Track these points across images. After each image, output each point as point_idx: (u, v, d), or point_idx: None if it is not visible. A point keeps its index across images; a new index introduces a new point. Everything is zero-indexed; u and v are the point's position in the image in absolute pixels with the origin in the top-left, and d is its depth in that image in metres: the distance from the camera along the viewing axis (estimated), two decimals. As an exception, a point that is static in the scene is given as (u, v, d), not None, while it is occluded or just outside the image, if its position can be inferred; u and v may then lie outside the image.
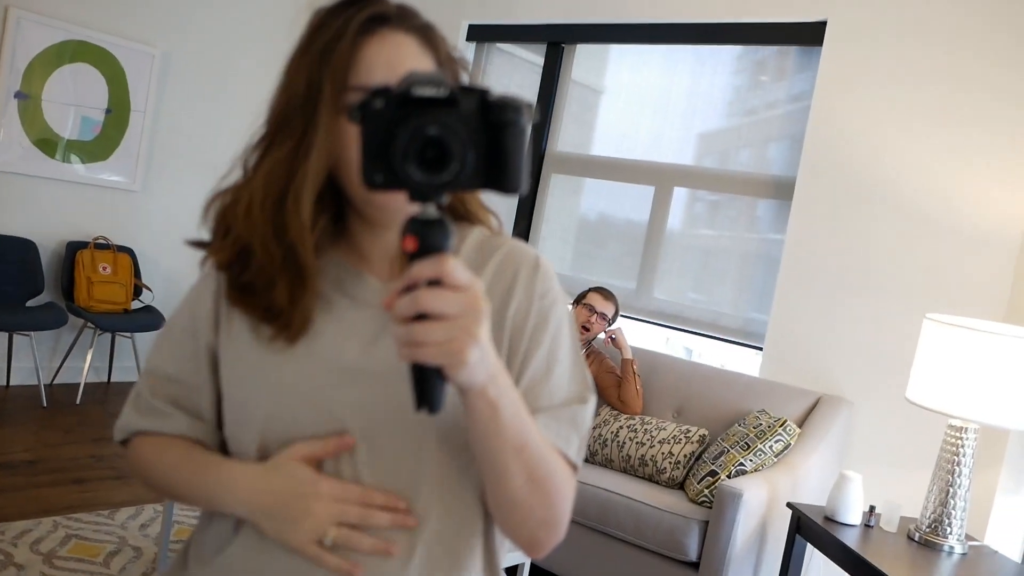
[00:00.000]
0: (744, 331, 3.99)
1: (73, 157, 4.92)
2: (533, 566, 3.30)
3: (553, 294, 0.99)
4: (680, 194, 4.31)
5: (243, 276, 0.94)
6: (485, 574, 0.97)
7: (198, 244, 0.99)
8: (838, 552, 2.63)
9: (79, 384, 4.96)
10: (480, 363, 0.75)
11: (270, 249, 0.91)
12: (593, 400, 0.99)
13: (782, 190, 3.91)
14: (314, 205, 0.91)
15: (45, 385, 4.86)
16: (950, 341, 2.60)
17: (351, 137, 0.89)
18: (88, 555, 3.04)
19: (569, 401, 0.96)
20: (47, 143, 4.81)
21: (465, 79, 0.99)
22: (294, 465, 0.90)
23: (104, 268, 4.88)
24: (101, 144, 5.03)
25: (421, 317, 0.72)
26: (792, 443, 3.20)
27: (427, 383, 0.77)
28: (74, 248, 4.88)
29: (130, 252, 5.09)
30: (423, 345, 0.72)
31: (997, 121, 3.29)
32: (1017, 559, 3.12)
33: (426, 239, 0.74)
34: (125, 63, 5.05)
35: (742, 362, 4.13)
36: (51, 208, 4.90)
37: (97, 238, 4.98)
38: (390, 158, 0.73)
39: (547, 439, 0.91)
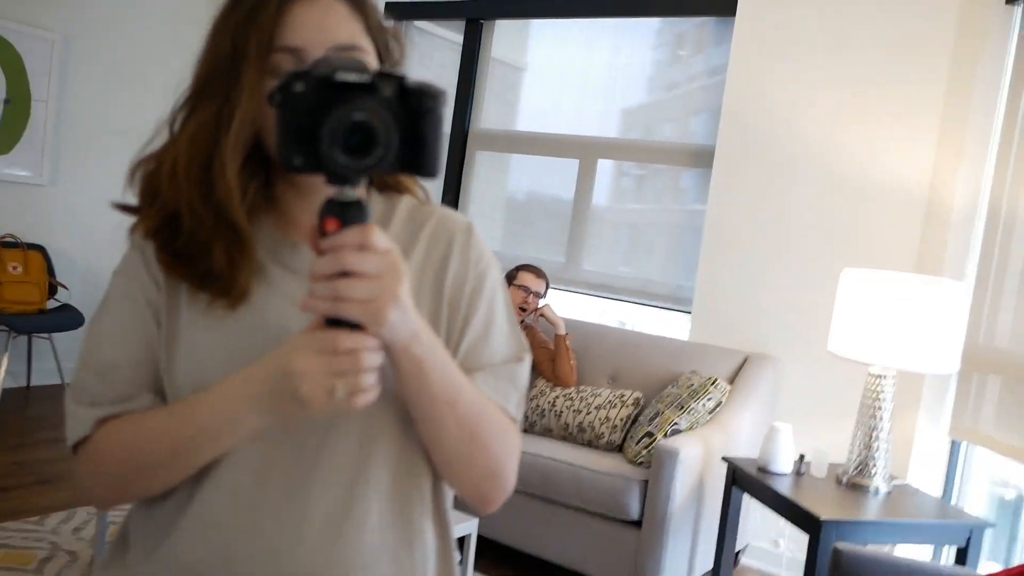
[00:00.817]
0: (673, 297, 4.09)
1: (-28, 153, 4.71)
2: (480, 538, 3.34)
3: (486, 259, 1.03)
4: (606, 168, 4.38)
5: (176, 242, 0.92)
6: (434, 526, 1.00)
7: (126, 208, 0.96)
8: (772, 499, 2.74)
9: (-5, 390, 4.77)
10: (401, 322, 0.79)
11: (199, 213, 0.90)
12: (528, 359, 1.03)
13: (703, 159, 4.01)
14: (241, 170, 0.91)
15: (-42, 393, 4.65)
16: (866, 293, 2.73)
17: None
18: (19, 563, 2.94)
19: (507, 360, 1.00)
20: (-57, 140, 4.59)
21: (395, 50, 1.00)
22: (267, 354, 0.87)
23: (14, 267, 4.69)
24: (1, 136, 4.81)
25: (343, 276, 0.76)
26: (724, 400, 3.31)
27: None
28: (-20, 248, 4.67)
29: (42, 249, 4.90)
30: (346, 300, 0.76)
31: (902, 84, 3.44)
32: (937, 494, 3.31)
33: (347, 221, 0.77)
34: (22, 50, 4.82)
35: (673, 328, 4.24)
36: (-47, 208, 4.68)
37: (4, 236, 4.77)
38: (312, 141, 0.74)
39: (486, 395, 0.95)
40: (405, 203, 1.04)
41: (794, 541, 3.61)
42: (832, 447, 3.46)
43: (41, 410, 4.70)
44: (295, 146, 0.75)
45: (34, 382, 5.15)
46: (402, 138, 0.75)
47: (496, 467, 0.95)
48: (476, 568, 3.29)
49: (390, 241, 0.78)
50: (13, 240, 4.80)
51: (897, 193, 3.42)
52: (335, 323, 0.79)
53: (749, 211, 3.74)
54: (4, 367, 4.60)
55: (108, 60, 5.22)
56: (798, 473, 2.90)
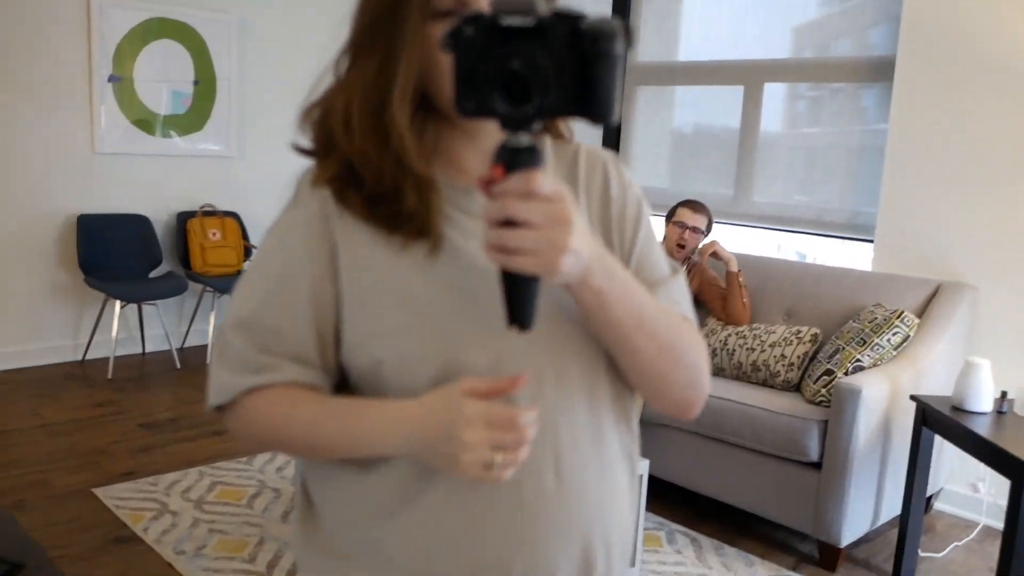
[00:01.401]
0: (853, 225, 3.84)
1: (170, 131, 5.12)
2: (653, 478, 3.34)
3: (633, 182, 1.05)
4: (775, 92, 4.14)
5: (361, 188, 0.90)
6: (627, 438, 1.00)
7: (306, 152, 0.96)
8: (969, 441, 2.54)
9: (207, 345, 5.24)
10: (575, 265, 0.78)
11: (376, 163, 0.89)
12: (683, 275, 1.04)
13: (883, 73, 3.70)
14: (413, 117, 0.90)
15: (176, 349, 5.15)
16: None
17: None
18: (233, 499, 3.24)
19: (674, 271, 1.02)
20: (145, 122, 5.01)
21: None
22: (447, 393, 0.84)
23: (214, 234, 5.10)
24: (194, 116, 5.20)
25: (510, 224, 0.75)
26: (911, 335, 3.09)
27: (518, 295, 0.79)
28: (184, 218, 5.11)
29: (236, 216, 5.29)
30: (514, 252, 0.75)
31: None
32: None
33: (514, 167, 0.75)
34: (205, 33, 5.17)
35: (854, 260, 3.99)
36: (158, 182, 5.13)
37: (204, 206, 5.18)
38: (480, 87, 0.74)
39: (667, 308, 0.94)
40: (547, 143, 1.03)
41: (996, 485, 3.34)
42: (1039, 382, 3.16)
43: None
44: (467, 91, 0.75)
45: (239, 337, 5.60)
46: (573, 80, 0.73)
47: (693, 374, 0.94)
48: (649, 509, 3.29)
49: (560, 187, 0.76)
50: (212, 209, 5.21)
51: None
52: (509, 277, 0.79)
53: (937, 126, 3.42)
54: (212, 324, 5.04)
55: (282, 36, 5.50)
56: (999, 412, 2.67)
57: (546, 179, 0.75)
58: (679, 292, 1.00)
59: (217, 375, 0.94)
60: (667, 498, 3.44)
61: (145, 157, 5.06)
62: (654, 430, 3.29)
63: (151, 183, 5.10)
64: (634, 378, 0.93)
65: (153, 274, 5.02)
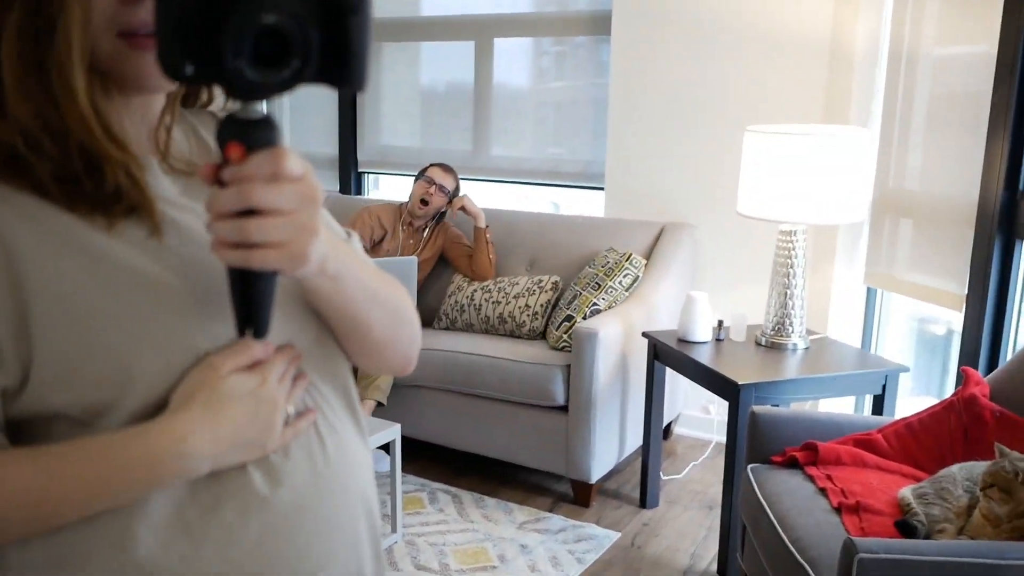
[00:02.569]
0: (586, 174, 3.99)
1: None
2: (408, 439, 3.32)
3: None
4: (516, 47, 4.17)
5: (34, 169, 0.69)
6: (355, 421, 0.90)
7: None
8: (692, 369, 2.73)
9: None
10: (319, 253, 0.69)
11: (53, 141, 0.69)
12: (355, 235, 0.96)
13: (601, 26, 3.83)
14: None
15: None
16: (770, 150, 2.65)
17: None
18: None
19: (349, 234, 0.92)
20: None
21: None
22: (231, 382, 0.72)
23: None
24: None
25: (248, 213, 0.63)
26: (640, 275, 3.26)
27: (255, 296, 0.69)
28: None
29: None
30: (260, 247, 0.64)
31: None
32: (857, 345, 3.34)
33: (254, 144, 0.64)
34: None
35: (591, 208, 4.15)
36: None
37: None
38: (208, 45, 0.59)
39: (367, 260, 0.88)
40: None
41: (723, 405, 3.64)
42: (751, 311, 3.47)
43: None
44: (184, 51, 0.60)
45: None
46: (327, 40, 0.61)
47: (413, 329, 0.91)
48: (406, 471, 3.28)
49: (303, 161, 0.66)
50: None
51: (799, 43, 3.30)
52: (242, 274, 0.67)
53: (652, 77, 3.61)
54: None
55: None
56: (717, 340, 2.89)
57: (293, 155, 0.64)
58: (360, 250, 0.92)
59: None
60: (425, 458, 3.45)
61: None
62: (405, 391, 3.27)
63: None
64: (364, 348, 0.87)
65: None
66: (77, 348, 0.68)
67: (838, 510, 1.93)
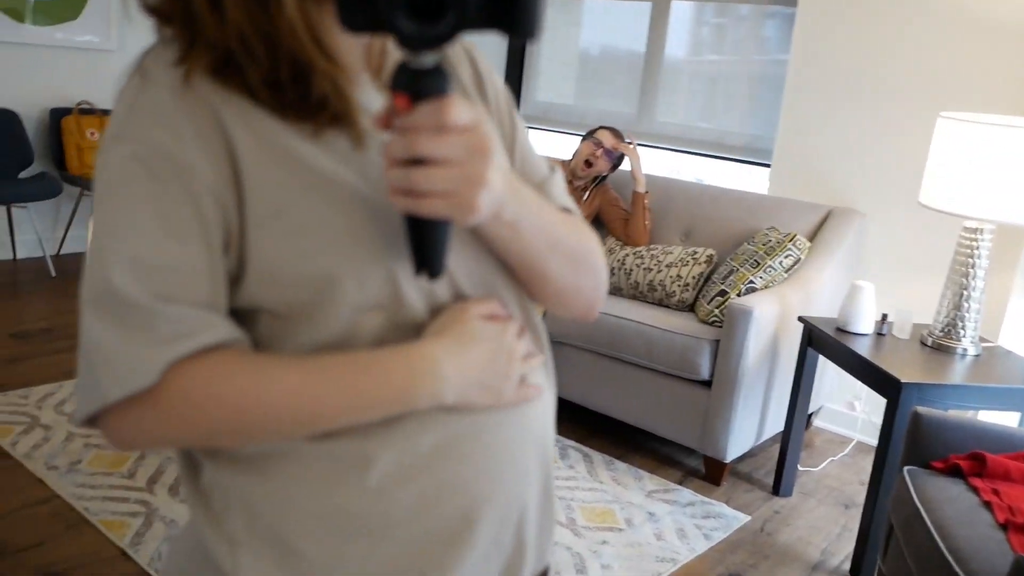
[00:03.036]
0: (751, 149, 3.87)
1: (42, 20, 4.70)
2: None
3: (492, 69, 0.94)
4: (682, 16, 4.07)
5: (248, 74, 0.70)
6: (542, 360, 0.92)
7: (156, 12, 0.72)
8: (850, 361, 2.63)
9: (84, 253, 4.95)
10: (491, 203, 0.69)
11: (266, 47, 0.70)
12: (558, 167, 0.95)
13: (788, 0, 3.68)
14: None
15: (51, 256, 4.85)
16: (965, 139, 2.49)
17: None
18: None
19: (550, 167, 0.93)
20: (13, 10, 4.58)
21: None
22: (478, 325, 0.78)
23: (92, 133, 4.76)
24: (68, 3, 4.78)
25: (419, 162, 0.64)
26: (803, 258, 3.15)
27: (428, 240, 0.70)
28: (58, 115, 4.74)
29: (118, 114, 4.95)
30: (425, 196, 0.65)
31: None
32: (1030, 357, 3.13)
33: (421, 94, 0.63)
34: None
35: (752, 184, 4.04)
36: (29, 76, 4.73)
37: (80, 103, 4.82)
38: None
39: (565, 214, 0.87)
40: None
41: (871, 404, 3.50)
42: (918, 308, 3.30)
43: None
44: (354, 2, 0.60)
45: (122, 244, 5.32)
46: None
47: (598, 276, 0.88)
48: (544, 425, 3.32)
49: (475, 111, 0.66)
50: (89, 107, 4.85)
51: (1005, 25, 3.07)
52: (417, 220, 0.69)
53: (835, 54, 3.44)
54: (91, 229, 4.74)
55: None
56: (879, 334, 2.77)
57: (461, 106, 0.64)
58: (561, 186, 0.93)
59: (123, 351, 0.67)
60: (560, 415, 3.48)
61: (13, 46, 4.64)
62: (550, 347, 3.29)
63: (21, 75, 4.69)
64: (544, 294, 0.86)
65: (24, 174, 4.67)
66: (284, 250, 0.71)
67: (1004, 527, 1.82)
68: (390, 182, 0.66)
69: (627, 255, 3.44)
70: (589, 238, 0.87)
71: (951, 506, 1.92)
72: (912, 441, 2.18)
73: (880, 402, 3.46)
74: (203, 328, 0.69)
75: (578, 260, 0.84)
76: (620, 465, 3.10)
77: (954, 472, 2.09)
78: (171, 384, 0.68)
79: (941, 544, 1.81)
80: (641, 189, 3.48)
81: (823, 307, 3.18)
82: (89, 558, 2.27)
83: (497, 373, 0.78)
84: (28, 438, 2.85)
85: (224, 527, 0.76)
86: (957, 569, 1.71)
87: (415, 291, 0.76)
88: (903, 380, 2.36)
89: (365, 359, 0.73)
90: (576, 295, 0.87)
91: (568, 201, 0.91)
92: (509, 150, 0.89)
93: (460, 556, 0.77)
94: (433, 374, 0.74)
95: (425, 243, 0.70)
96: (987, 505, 1.92)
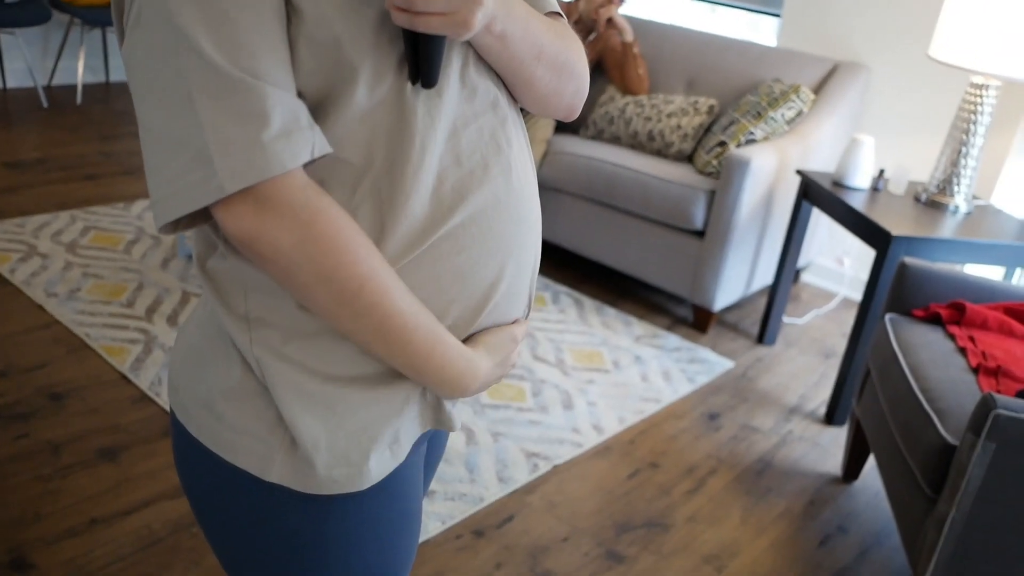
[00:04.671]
0: (762, -2, 3.74)
1: None
2: (542, 242, 3.38)
3: None
4: None
5: None
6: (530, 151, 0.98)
7: None
8: (843, 214, 2.64)
9: (76, 84, 4.85)
10: (483, 19, 0.73)
11: None
12: None
13: None
14: None
15: (43, 87, 4.75)
16: (983, -11, 2.41)
17: None
18: (109, 244, 3.13)
19: None
20: None
21: None
22: (514, 353, 0.91)
23: (79, -42, 4.56)
24: None
25: None
26: (805, 110, 3.11)
27: (425, 54, 0.74)
28: (43, -64, 4.53)
29: (104, -61, 4.73)
30: (423, 15, 0.70)
31: None
32: (1022, 217, 3.14)
33: None
34: None
35: (760, 35, 3.92)
36: None
37: (66, -76, 4.60)
38: None
39: (551, 21, 0.89)
40: None
41: (859, 260, 3.55)
42: (916, 165, 3.29)
43: (123, 104, 4.79)
44: None
45: (112, 78, 5.21)
46: None
47: (580, 82, 0.93)
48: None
49: None
50: (74, -73, 4.62)
51: None
52: (414, 36, 0.73)
53: None
54: (82, 61, 4.63)
55: None
56: (875, 189, 2.77)
57: None
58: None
59: (236, 136, 0.67)
60: (554, 260, 3.52)
61: None
62: (545, 194, 3.30)
63: None
64: (527, 98, 0.90)
65: None
66: (313, 38, 0.71)
67: (976, 371, 1.89)
68: (390, 0, 0.70)
69: (627, 103, 3.39)
70: (573, 45, 0.91)
71: (927, 350, 1.98)
72: (897, 291, 2.23)
73: (868, 259, 3.50)
74: (309, 124, 0.70)
75: (561, 67, 0.88)
76: (610, 311, 3.16)
77: (934, 320, 2.14)
78: (289, 181, 0.70)
79: (914, 384, 1.88)
80: (628, 38, 3.39)
81: (822, 161, 3.17)
82: (91, 380, 2.35)
83: (491, 384, 0.90)
84: (26, 266, 2.89)
85: (239, 308, 0.80)
86: (927, 407, 1.79)
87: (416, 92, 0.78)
88: (893, 233, 2.38)
89: (440, 337, 0.80)
90: (558, 99, 0.92)
91: (555, 5, 0.94)
92: None
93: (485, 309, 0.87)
94: (463, 389, 0.84)
95: (422, 55, 0.74)
96: (962, 351, 1.98)
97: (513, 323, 0.91)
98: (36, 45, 4.80)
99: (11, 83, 4.76)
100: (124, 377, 2.38)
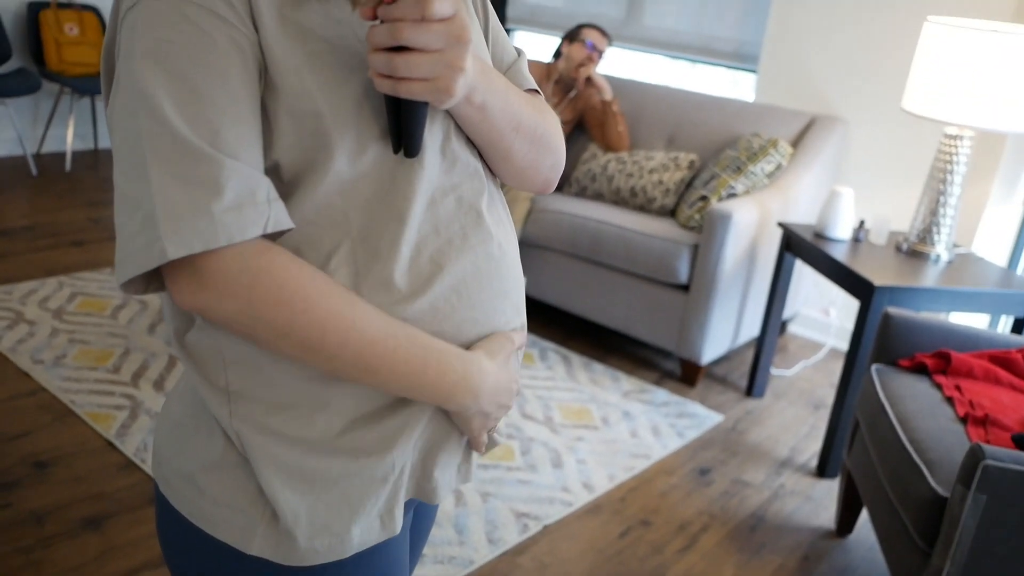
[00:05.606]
0: (739, 55, 3.83)
1: (14, -95, 4.53)
2: (527, 298, 3.40)
3: None
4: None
5: None
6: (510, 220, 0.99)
7: None
8: (826, 265, 2.67)
9: (65, 152, 4.89)
10: (465, 87, 0.74)
11: None
12: (523, 52, 1.01)
13: None
14: None
15: (32, 155, 4.79)
16: (950, 44, 2.47)
17: None
18: (96, 310, 3.12)
19: (519, 52, 0.99)
20: None
21: None
22: (515, 357, 0.88)
23: (71, 29, 4.64)
24: None
25: (401, 49, 0.69)
26: (784, 163, 3.16)
27: (407, 121, 0.75)
28: (36, 8, 4.61)
29: (95, 10, 4.82)
30: (406, 81, 0.70)
31: None
32: (1003, 264, 3.18)
33: None
34: None
35: (739, 91, 4.00)
36: (1, -35, 4.58)
37: (56, -4, 4.69)
38: None
39: (529, 96, 0.91)
40: None
41: (845, 310, 3.57)
42: (895, 215, 3.34)
43: (110, 171, 4.82)
44: None
45: (100, 145, 5.25)
46: None
47: (557, 156, 0.95)
48: (525, 327, 3.37)
49: (455, 1, 0.70)
50: (67, 1, 4.71)
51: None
52: (396, 102, 0.74)
53: (832, -43, 3.37)
54: (71, 129, 4.68)
55: None
56: (856, 240, 2.80)
57: None
58: (526, 68, 0.99)
59: (184, 205, 0.67)
60: (541, 317, 3.53)
61: (-18, -65, 4.48)
62: (530, 251, 3.32)
63: (-8, -34, 4.55)
64: (505, 171, 0.91)
65: (1, 70, 4.57)
66: (294, 111, 0.73)
67: (964, 420, 1.89)
68: (373, 67, 0.71)
69: (609, 161, 3.44)
70: (550, 120, 0.93)
71: (914, 401, 1.99)
72: (882, 341, 2.24)
73: (854, 310, 3.52)
74: (267, 200, 0.70)
75: (539, 140, 0.90)
76: (598, 367, 3.16)
77: (920, 370, 2.15)
78: (232, 251, 0.69)
79: (902, 435, 1.88)
80: (608, 96, 3.45)
81: (803, 214, 3.20)
82: (76, 448, 2.33)
83: (498, 407, 0.86)
84: (13, 333, 2.87)
85: (219, 381, 0.79)
86: (916, 458, 1.78)
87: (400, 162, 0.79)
88: (876, 283, 2.40)
89: (436, 352, 0.78)
90: (535, 172, 0.93)
91: (532, 83, 0.97)
92: (484, 33, 0.93)
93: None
94: (474, 392, 0.81)
95: (404, 123, 0.75)
96: (949, 400, 1.98)
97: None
98: (26, 114, 4.85)
99: (1, 152, 4.80)
100: (110, 444, 2.36)
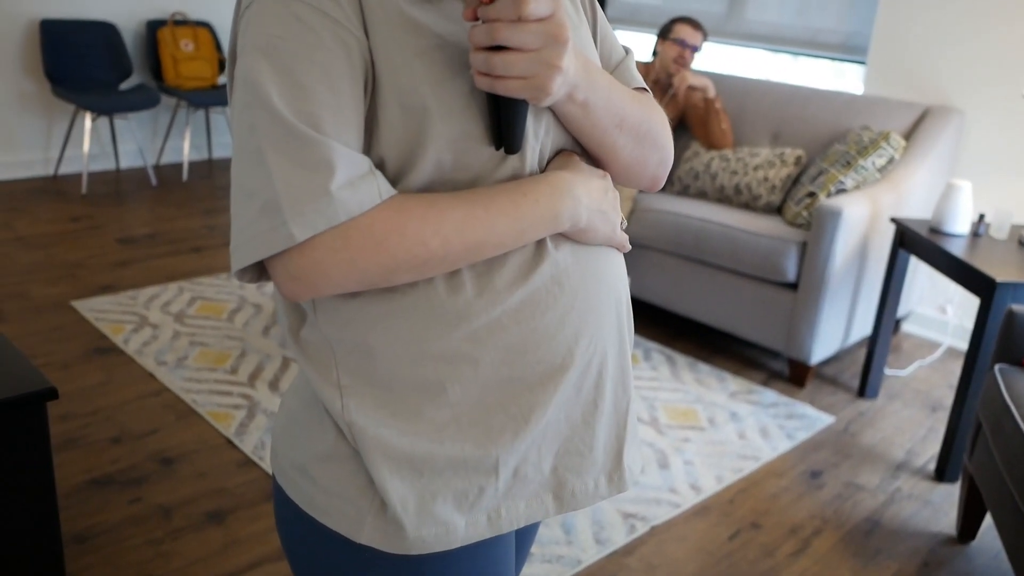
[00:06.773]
0: (846, 47, 3.71)
1: (134, -70, 4.78)
2: (632, 298, 3.38)
3: None
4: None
5: None
6: None
7: None
8: (943, 261, 2.57)
9: (182, 163, 5.14)
10: (564, 85, 0.76)
11: None
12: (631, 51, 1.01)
13: None
14: None
15: (152, 166, 5.05)
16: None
17: None
18: (214, 313, 3.27)
19: (627, 50, 1.00)
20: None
21: None
22: (587, 165, 0.87)
23: (186, 45, 4.87)
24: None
25: (500, 48, 0.71)
26: (896, 157, 3.05)
27: (507, 118, 0.77)
28: (154, 27, 4.86)
29: (208, 26, 5.04)
30: (504, 79, 0.73)
31: None
32: None
33: None
34: None
35: (844, 83, 3.89)
36: (123, -13, 4.85)
37: (174, 14, 4.93)
38: None
39: (636, 93, 0.91)
40: None
41: (963, 308, 3.41)
42: (1018, 207, 3.18)
43: (225, 179, 5.04)
44: None
45: (216, 155, 5.49)
46: None
47: (664, 153, 0.95)
48: (627, 327, 3.36)
49: (552, 1, 0.72)
50: (183, 18, 4.95)
51: None
52: (497, 100, 0.76)
53: (945, -60, 3.24)
54: (188, 141, 4.91)
55: None
56: (975, 235, 2.68)
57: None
58: (634, 66, 0.99)
59: (303, 189, 0.70)
60: (645, 317, 3.51)
61: (106, -40, 4.75)
62: (634, 251, 3.30)
63: (115, -11, 4.82)
64: (612, 168, 0.92)
65: (123, 86, 4.84)
66: (402, 104, 0.76)
67: (1098, 423, 1.79)
68: (474, 65, 0.73)
69: (712, 158, 3.39)
70: (656, 117, 0.93)
71: (1042, 403, 1.89)
72: (1005, 340, 2.14)
73: (973, 307, 3.37)
74: (371, 171, 0.74)
75: (644, 137, 0.90)
76: (703, 367, 3.12)
77: (1048, 371, 2.04)
78: (356, 222, 0.72)
79: (1030, 440, 1.79)
80: (711, 94, 3.39)
81: (917, 209, 3.09)
82: (199, 445, 2.44)
83: (612, 204, 0.87)
84: (138, 336, 3.04)
85: (331, 376, 0.83)
86: (1045, 464, 1.70)
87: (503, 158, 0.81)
88: (998, 279, 2.30)
89: (514, 187, 0.79)
90: (642, 168, 0.94)
91: (640, 80, 0.97)
92: (592, 33, 0.94)
93: (544, 400, 0.83)
94: (572, 195, 0.81)
95: (504, 120, 0.77)
96: (1081, 403, 1.88)
97: None
98: (146, 128, 5.12)
99: (124, 164, 5.07)
100: (229, 442, 2.47)
